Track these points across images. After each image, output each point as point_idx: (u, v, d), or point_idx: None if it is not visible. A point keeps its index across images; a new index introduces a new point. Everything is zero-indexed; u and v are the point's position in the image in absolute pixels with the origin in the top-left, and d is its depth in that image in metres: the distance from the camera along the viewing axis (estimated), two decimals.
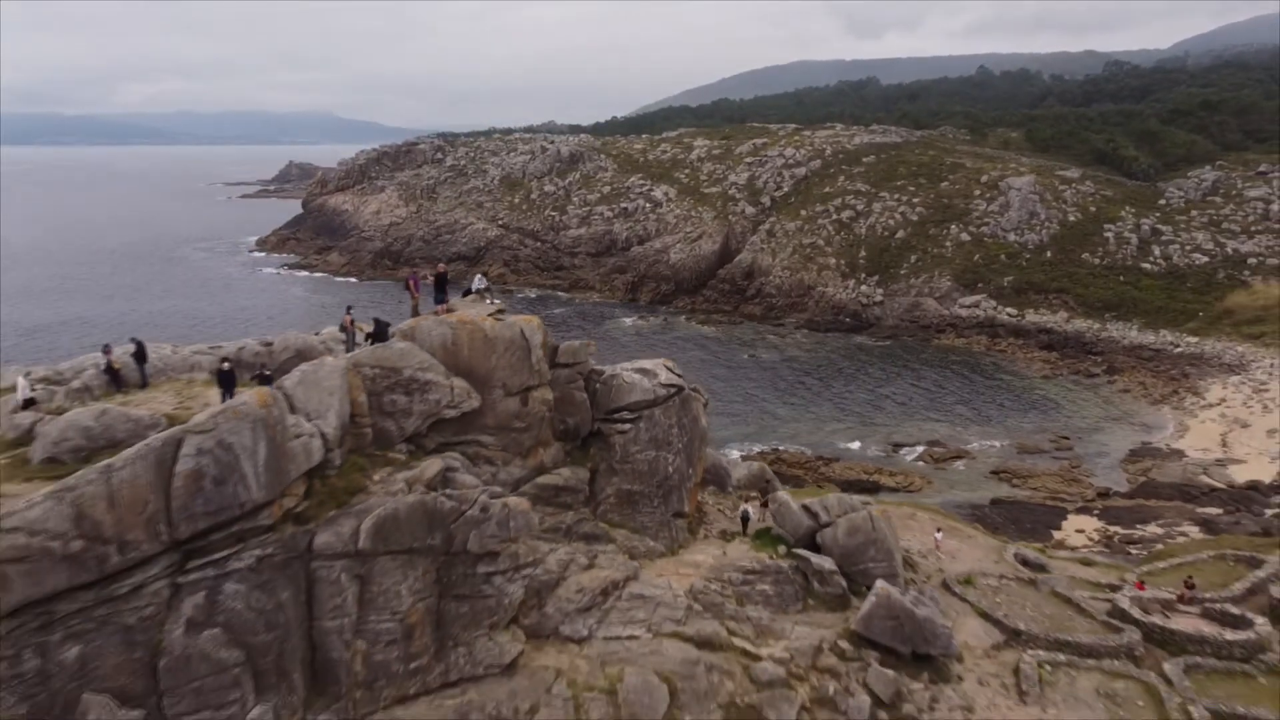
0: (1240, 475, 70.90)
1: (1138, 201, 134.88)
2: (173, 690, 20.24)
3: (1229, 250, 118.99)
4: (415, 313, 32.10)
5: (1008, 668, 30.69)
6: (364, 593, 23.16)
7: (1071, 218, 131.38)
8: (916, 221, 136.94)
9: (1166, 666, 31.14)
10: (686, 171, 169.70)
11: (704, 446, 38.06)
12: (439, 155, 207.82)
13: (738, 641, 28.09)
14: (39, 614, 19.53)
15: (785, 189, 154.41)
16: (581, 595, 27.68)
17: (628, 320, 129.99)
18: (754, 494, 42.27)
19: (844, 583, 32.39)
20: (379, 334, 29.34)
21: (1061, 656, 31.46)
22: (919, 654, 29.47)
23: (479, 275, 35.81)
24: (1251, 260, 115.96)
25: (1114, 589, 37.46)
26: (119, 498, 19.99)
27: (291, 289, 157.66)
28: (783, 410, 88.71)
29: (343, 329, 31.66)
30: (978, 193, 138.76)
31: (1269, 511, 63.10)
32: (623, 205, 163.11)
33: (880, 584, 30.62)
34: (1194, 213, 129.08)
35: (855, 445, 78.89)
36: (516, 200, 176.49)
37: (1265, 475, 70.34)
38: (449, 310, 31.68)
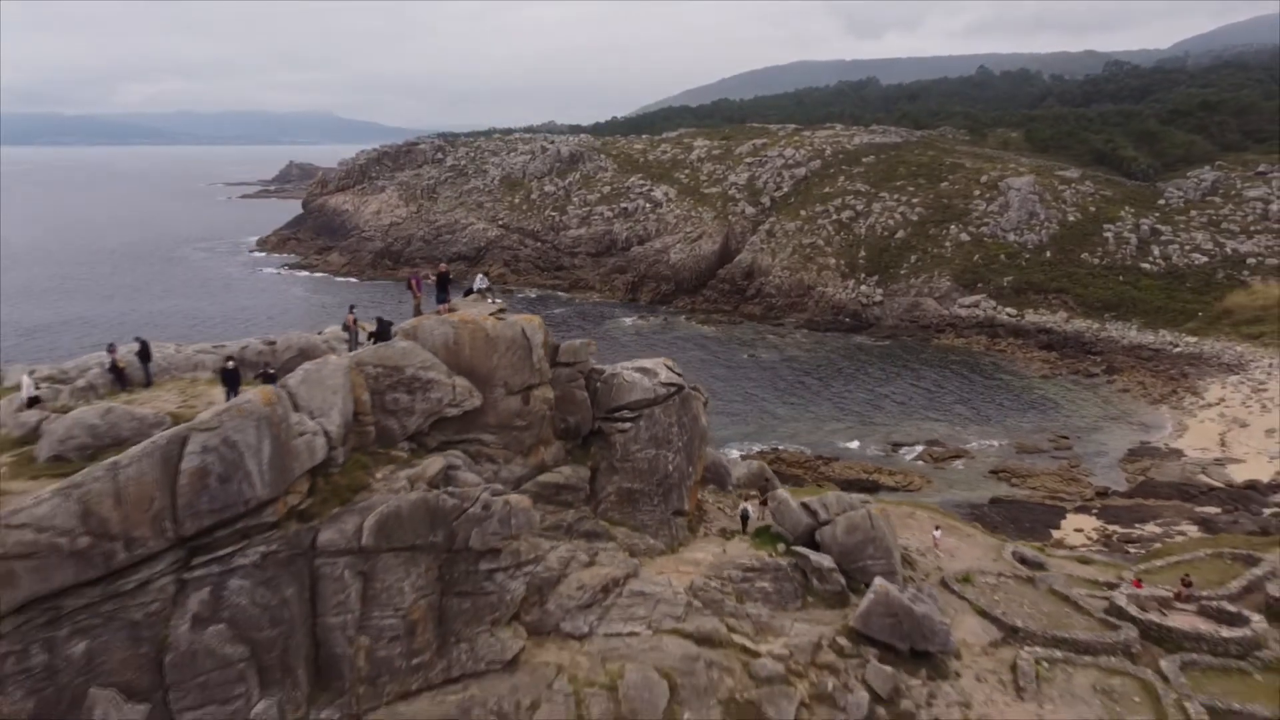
0: (1239, 475, 71.07)
1: (1137, 202, 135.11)
2: (178, 685, 20.48)
3: (1228, 250, 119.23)
4: (417, 312, 32.36)
5: (1005, 664, 30.95)
6: (367, 589, 23.40)
7: (1071, 218, 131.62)
8: (916, 221, 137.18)
9: (1163, 663, 31.38)
10: (686, 172, 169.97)
11: (704, 445, 38.30)
12: (439, 155, 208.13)
13: (737, 638, 28.32)
14: (46, 609, 19.77)
15: (785, 189, 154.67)
16: (582, 592, 27.92)
17: (628, 320, 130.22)
18: (753, 492, 42.50)
19: (843, 580, 32.63)
20: (381, 333, 29.57)
21: (1059, 653, 31.71)
22: (917, 651, 29.72)
23: (480, 275, 36.04)
24: (1250, 260, 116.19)
25: (1111, 587, 37.69)
26: (125, 495, 20.22)
27: (292, 289, 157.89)
28: (782, 410, 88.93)
29: (345, 328, 31.89)
30: (977, 193, 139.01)
31: (1267, 511, 63.30)
32: (623, 205, 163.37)
33: (879, 581, 30.86)
34: (1193, 213, 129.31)
35: (854, 445, 79.10)
36: (517, 200, 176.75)
37: (1263, 474, 70.54)
38: (451, 310, 31.92)
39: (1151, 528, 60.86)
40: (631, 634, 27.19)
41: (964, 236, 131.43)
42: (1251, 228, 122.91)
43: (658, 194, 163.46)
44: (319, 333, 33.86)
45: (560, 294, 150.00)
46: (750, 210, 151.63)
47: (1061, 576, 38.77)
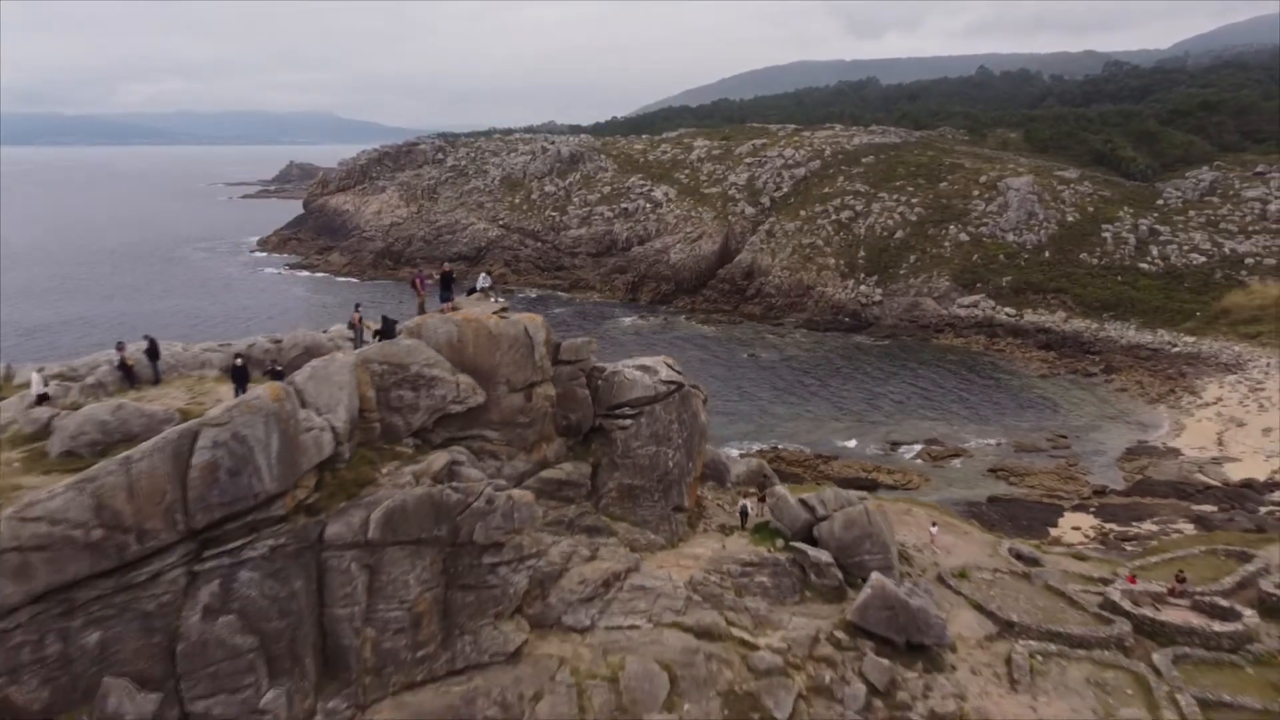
0: (1235, 473, 71.49)
1: (1136, 202, 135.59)
2: (190, 674, 20.94)
3: (1226, 250, 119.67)
4: (421, 310, 32.82)
5: (1000, 658, 31.43)
6: (373, 582, 23.85)
7: (1070, 218, 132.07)
8: (915, 222, 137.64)
9: (1155, 657, 31.84)
10: (686, 172, 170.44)
11: (703, 442, 38.77)
12: (440, 155, 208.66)
13: (736, 631, 28.76)
14: (61, 600, 20.24)
15: (785, 189, 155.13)
16: (584, 586, 28.37)
17: (628, 320, 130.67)
18: (752, 490, 42.94)
19: (840, 575, 33.09)
20: (386, 331, 30.05)
21: (1053, 647, 32.18)
22: (913, 644, 30.17)
23: (483, 274, 36.53)
24: (1249, 260, 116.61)
25: (1106, 583, 38.18)
26: (138, 488, 20.69)
27: (293, 289, 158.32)
28: (782, 409, 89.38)
29: (351, 326, 32.36)
30: (976, 193, 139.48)
31: (1263, 509, 63.72)
32: (623, 205, 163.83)
33: (876, 576, 31.32)
34: (1191, 213, 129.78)
35: (853, 444, 79.55)
36: (517, 200, 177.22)
37: (1260, 473, 70.96)
38: (454, 308, 32.40)
39: (1148, 526, 61.30)
40: (632, 627, 27.63)
41: (963, 236, 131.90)
42: (1249, 228, 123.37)
43: (658, 194, 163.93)
44: (324, 331, 34.33)
45: (561, 294, 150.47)
46: (750, 210, 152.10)
47: (1057, 572, 39.24)
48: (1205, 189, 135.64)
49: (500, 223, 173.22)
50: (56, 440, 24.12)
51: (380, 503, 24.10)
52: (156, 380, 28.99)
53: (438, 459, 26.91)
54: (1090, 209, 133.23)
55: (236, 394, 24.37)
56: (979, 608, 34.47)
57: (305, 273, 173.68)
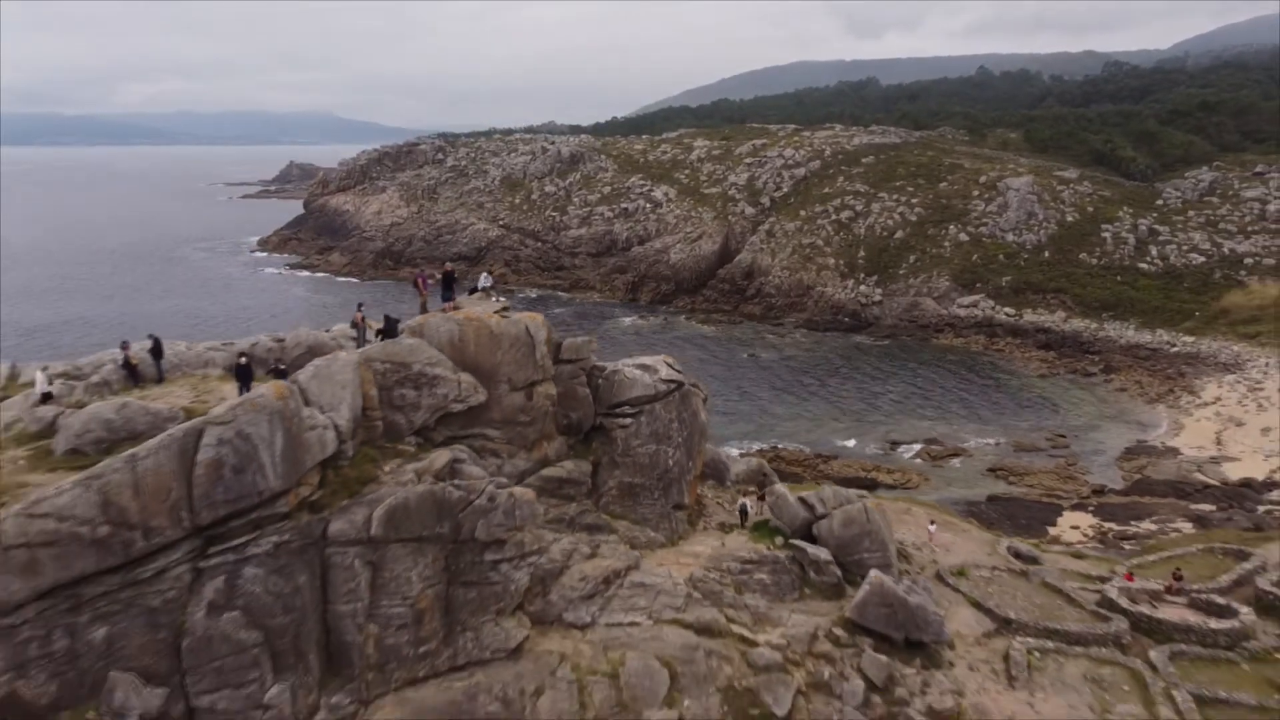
0: (1234, 473, 71.62)
1: (1135, 202, 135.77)
2: (195, 669, 21.18)
3: (1225, 250, 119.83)
4: (423, 310, 33.06)
5: (998, 654, 31.66)
6: (376, 578, 24.08)
7: (1069, 218, 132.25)
8: (915, 222, 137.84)
9: (1152, 654, 32.07)
10: (686, 172, 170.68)
11: (703, 441, 39.01)
12: (440, 156, 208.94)
13: (736, 628, 28.99)
14: (68, 596, 20.50)
15: (785, 189, 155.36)
16: (585, 583, 28.59)
17: (628, 320, 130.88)
18: (752, 488, 43.20)
19: (839, 572, 33.32)
20: (389, 330, 30.29)
21: (1050, 644, 32.40)
22: (911, 640, 30.40)
23: (484, 274, 36.76)
24: (1248, 260, 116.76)
25: (1104, 580, 38.38)
26: (144, 485, 20.93)
27: (293, 289, 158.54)
28: (781, 409, 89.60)
29: (354, 325, 32.62)
30: (976, 193, 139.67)
31: (1261, 508, 63.89)
32: (623, 205, 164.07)
33: (874, 573, 31.55)
34: (1191, 213, 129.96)
35: (853, 443, 79.74)
36: (517, 201, 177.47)
37: (1259, 473, 71.11)
38: (456, 307, 32.63)
39: (1147, 525, 61.45)
40: (632, 624, 27.85)
41: (963, 237, 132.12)
42: (1249, 228, 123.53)
43: (658, 194, 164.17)
44: (327, 330, 34.57)
45: (561, 294, 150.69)
46: (750, 210, 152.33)
47: (1055, 570, 39.46)
48: (1205, 189, 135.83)
49: (500, 223, 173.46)
50: (62, 438, 24.35)
51: (383, 500, 24.32)
52: (160, 379, 29.24)
53: (439, 457, 27.13)
54: (1090, 209, 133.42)
55: (240, 392, 24.59)
56: (977, 605, 34.70)
57: (305, 273, 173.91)
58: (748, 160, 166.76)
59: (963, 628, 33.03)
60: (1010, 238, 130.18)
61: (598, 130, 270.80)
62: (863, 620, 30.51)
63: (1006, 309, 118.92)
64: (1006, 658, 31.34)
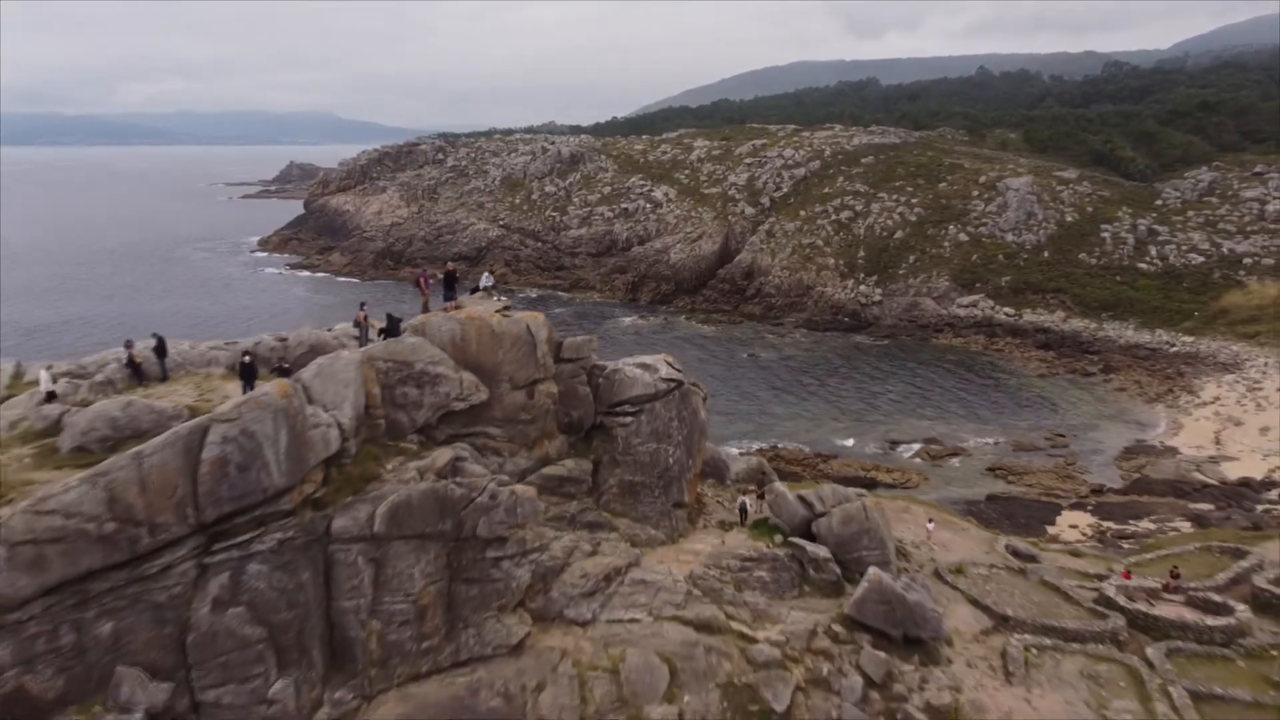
0: (1233, 472, 71.84)
1: (1135, 202, 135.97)
2: (200, 664, 21.42)
3: (1225, 250, 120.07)
4: (425, 309, 33.28)
5: (995, 651, 31.90)
6: (379, 575, 24.30)
7: (1069, 218, 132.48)
8: (915, 222, 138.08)
9: (1149, 650, 32.32)
10: (686, 172, 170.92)
11: (703, 439, 39.24)
12: (440, 156, 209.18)
13: (735, 625, 29.22)
14: (75, 592, 20.72)
15: (785, 189, 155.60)
16: (585, 580, 28.82)
17: (628, 320, 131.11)
18: (752, 487, 43.43)
19: (838, 570, 33.55)
20: (391, 329, 30.52)
21: (1047, 641, 32.66)
22: (910, 637, 30.64)
23: (486, 273, 36.98)
24: (1247, 260, 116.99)
25: (1101, 579, 38.60)
26: (149, 482, 21.15)
27: (293, 289, 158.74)
28: (781, 408, 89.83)
29: (356, 324, 32.85)
30: (976, 193, 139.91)
31: (1260, 507, 64.12)
32: (623, 206, 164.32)
33: (873, 570, 31.78)
34: (1190, 213, 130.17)
35: (852, 443, 79.97)
36: (517, 201, 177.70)
37: (1257, 472, 71.34)
38: (458, 307, 32.86)
39: (1145, 524, 61.65)
40: (633, 620, 28.07)
41: (962, 237, 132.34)
42: (1248, 228, 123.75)
43: (658, 194, 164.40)
44: (329, 329, 34.79)
45: (561, 294, 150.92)
46: (750, 210, 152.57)
47: (1053, 568, 39.69)
48: (1204, 189, 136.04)
49: (500, 223, 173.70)
50: (68, 436, 24.56)
51: (386, 497, 24.54)
52: (164, 377, 29.44)
53: (442, 455, 27.34)
54: (1089, 209, 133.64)
55: (245, 391, 24.78)
56: (975, 602, 34.93)
57: (306, 273, 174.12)
58: (748, 160, 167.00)
59: (961, 625, 33.27)
60: (1010, 238, 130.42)
61: (598, 130, 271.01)
62: (861, 617, 30.75)
63: (1006, 309, 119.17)
64: (1004, 654, 31.59)
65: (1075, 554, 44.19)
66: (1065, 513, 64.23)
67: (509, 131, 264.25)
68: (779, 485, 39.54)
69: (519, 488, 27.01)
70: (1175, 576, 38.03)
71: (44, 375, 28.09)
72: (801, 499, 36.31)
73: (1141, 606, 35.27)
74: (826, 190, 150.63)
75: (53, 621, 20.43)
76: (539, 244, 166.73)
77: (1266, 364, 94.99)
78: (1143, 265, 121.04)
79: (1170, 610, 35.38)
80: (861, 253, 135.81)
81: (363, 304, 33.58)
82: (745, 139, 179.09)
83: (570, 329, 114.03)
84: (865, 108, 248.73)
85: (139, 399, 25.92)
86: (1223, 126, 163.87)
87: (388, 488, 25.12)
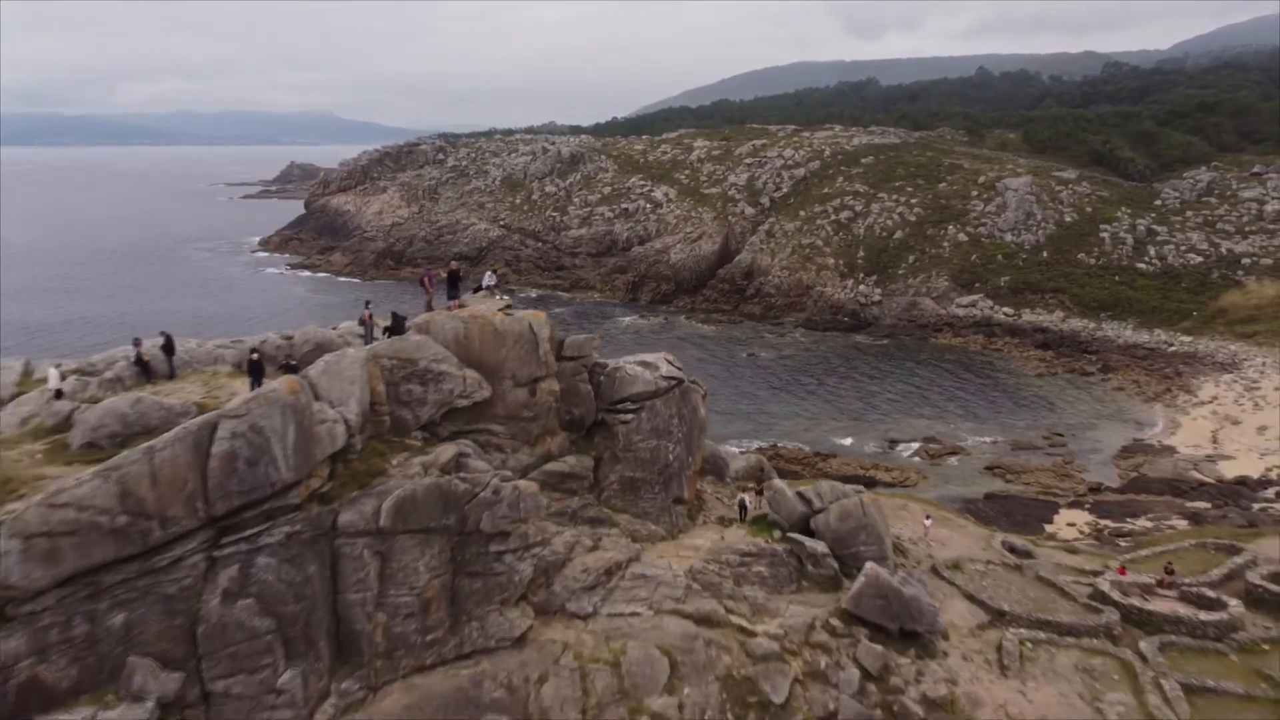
0: (1230, 471, 72.22)
1: (1133, 202, 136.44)
2: (210, 655, 21.81)
3: (1223, 250, 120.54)
4: (429, 308, 33.70)
5: (991, 645, 32.33)
6: (384, 568, 24.70)
7: (1068, 218, 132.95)
8: (914, 222, 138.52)
9: (1142, 644, 32.74)
10: (686, 172, 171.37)
11: (703, 436, 39.66)
12: (440, 156, 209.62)
13: (735, 619, 29.65)
14: (87, 584, 21.13)
15: (784, 190, 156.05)
16: (587, 575, 29.26)
17: (628, 319, 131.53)
18: (751, 484, 43.84)
19: (836, 565, 33.96)
20: (396, 327, 30.95)
21: (1042, 635, 33.09)
22: (906, 631, 31.08)
23: (489, 272, 37.41)
24: (1245, 260, 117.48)
25: (1097, 574, 39.02)
26: (160, 476, 21.56)
27: (294, 289, 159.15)
28: (780, 408, 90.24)
29: (361, 322, 33.31)
30: (975, 193, 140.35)
31: (1256, 506, 64.53)
32: (623, 206, 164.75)
33: (870, 565, 32.19)
34: (1189, 213, 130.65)
35: (852, 442, 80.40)
36: (518, 201, 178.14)
37: (1254, 471, 71.72)
38: (461, 305, 33.28)
39: (1142, 522, 62.08)
40: (634, 614, 28.51)
41: (962, 237, 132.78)
42: (1246, 228, 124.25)
43: (658, 194, 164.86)
44: (334, 328, 35.21)
45: (561, 294, 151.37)
46: (750, 210, 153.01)
47: (1049, 564, 40.12)
48: (1203, 189, 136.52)
49: (501, 223, 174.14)
50: (78, 432, 24.99)
51: (391, 492, 24.94)
52: (172, 375, 29.88)
53: (445, 451, 27.76)
54: (1088, 209, 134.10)
55: (252, 387, 25.20)
56: (971, 597, 35.36)
57: (307, 273, 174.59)
58: (747, 161, 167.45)
59: (957, 619, 33.69)
60: (1009, 238, 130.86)
61: (598, 130, 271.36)
62: (858, 611, 31.17)
63: (1005, 309, 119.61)
64: (999, 648, 32.02)
65: (1071, 550, 44.62)
66: (1063, 511, 64.66)
67: (509, 132, 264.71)
68: (778, 482, 39.98)
69: (521, 483, 27.41)
70: (1170, 572, 38.47)
71: (53, 373, 28.54)
72: (800, 495, 36.75)
73: (1136, 601, 35.71)
74: (826, 190, 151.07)
75: (66, 612, 20.83)
76: (539, 244, 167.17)
77: (1264, 363, 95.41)
78: (1141, 265, 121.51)
79: (1164, 605, 35.83)
80: (861, 253, 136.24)
81: (368, 302, 34.03)
82: (745, 139, 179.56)
83: (570, 329, 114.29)
84: (865, 108, 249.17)
85: (148, 396, 26.35)
86: (1221, 127, 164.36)
87: (393, 483, 25.53)
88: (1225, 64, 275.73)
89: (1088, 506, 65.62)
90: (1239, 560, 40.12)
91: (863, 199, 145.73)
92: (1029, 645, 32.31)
